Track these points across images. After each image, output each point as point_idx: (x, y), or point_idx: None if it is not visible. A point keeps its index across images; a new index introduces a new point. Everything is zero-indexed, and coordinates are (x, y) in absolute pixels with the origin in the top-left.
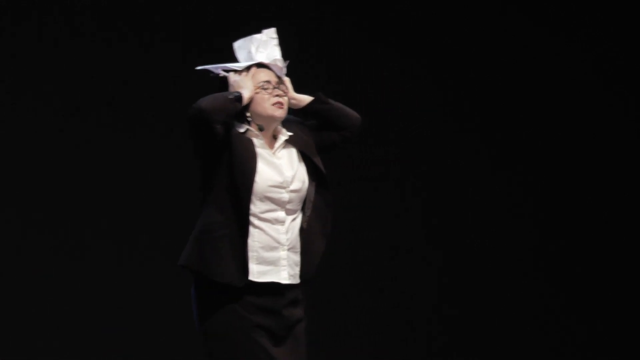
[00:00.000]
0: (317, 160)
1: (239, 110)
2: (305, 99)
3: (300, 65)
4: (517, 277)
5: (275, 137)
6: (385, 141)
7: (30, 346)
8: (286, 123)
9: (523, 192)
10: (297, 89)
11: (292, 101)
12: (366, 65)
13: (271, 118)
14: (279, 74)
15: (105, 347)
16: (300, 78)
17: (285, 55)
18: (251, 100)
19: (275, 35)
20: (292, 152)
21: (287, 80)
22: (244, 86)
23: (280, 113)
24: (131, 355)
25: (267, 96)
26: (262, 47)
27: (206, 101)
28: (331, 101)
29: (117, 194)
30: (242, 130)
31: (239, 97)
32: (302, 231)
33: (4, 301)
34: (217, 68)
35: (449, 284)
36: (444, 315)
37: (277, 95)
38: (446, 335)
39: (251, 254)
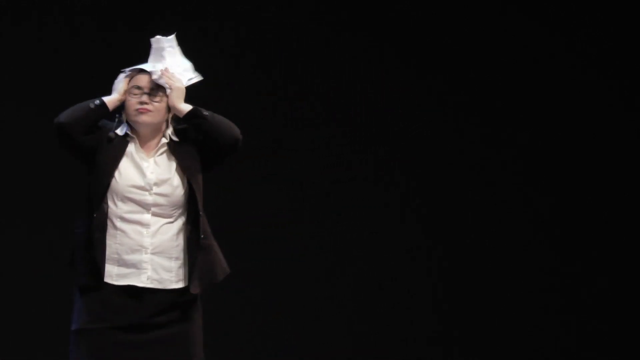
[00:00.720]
0: (196, 176)
1: (106, 115)
2: (184, 109)
3: (299, 65)
4: (517, 277)
5: (158, 141)
6: (386, 141)
7: (30, 346)
8: (182, 131)
9: (524, 192)
10: (296, 88)
11: (175, 110)
12: (366, 65)
13: (135, 123)
14: (154, 77)
15: None
16: (300, 78)
17: (284, 54)
18: (124, 104)
19: (163, 44)
20: (172, 158)
21: (175, 88)
22: (116, 89)
23: (144, 119)
24: None
25: (133, 101)
26: (153, 53)
27: (66, 114)
28: (208, 115)
29: None
30: (121, 132)
31: (101, 105)
32: (185, 240)
33: (4, 301)
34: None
35: (450, 283)
36: (444, 315)
37: (141, 102)
38: (446, 335)
39: (112, 256)
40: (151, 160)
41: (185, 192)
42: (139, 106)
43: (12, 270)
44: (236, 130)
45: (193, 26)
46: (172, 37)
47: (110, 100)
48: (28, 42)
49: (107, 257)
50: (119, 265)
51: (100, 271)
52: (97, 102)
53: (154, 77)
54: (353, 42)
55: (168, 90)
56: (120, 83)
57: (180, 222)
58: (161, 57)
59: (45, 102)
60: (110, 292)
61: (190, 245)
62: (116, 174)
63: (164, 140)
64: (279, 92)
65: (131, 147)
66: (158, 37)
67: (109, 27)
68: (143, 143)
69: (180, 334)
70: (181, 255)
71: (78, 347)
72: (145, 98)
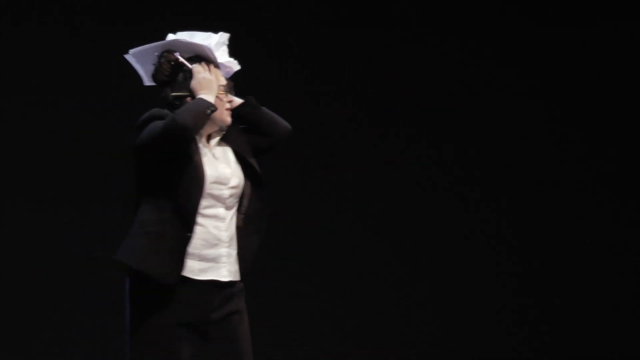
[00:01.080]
0: (252, 159)
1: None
2: (237, 101)
3: (300, 65)
4: (518, 278)
5: (210, 135)
6: (387, 141)
7: (30, 346)
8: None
9: (524, 192)
10: (299, 88)
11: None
12: (366, 65)
13: (223, 124)
14: (227, 76)
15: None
16: (300, 78)
17: (284, 55)
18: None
19: (227, 42)
20: (227, 150)
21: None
22: (211, 89)
23: (230, 119)
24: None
25: (222, 101)
26: (216, 48)
27: (188, 118)
28: (261, 107)
29: (121, 193)
30: None
31: (214, 112)
32: (238, 229)
33: (4, 301)
34: (173, 51)
35: (445, 284)
36: (452, 315)
37: (229, 101)
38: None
39: (193, 252)
40: (211, 153)
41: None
42: (229, 105)
43: (13, 270)
44: (286, 124)
45: (193, 26)
46: (228, 35)
47: (212, 102)
48: (28, 42)
49: (188, 252)
50: (199, 260)
51: (179, 267)
52: (212, 108)
53: (228, 72)
54: (354, 42)
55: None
56: (213, 83)
57: (235, 210)
58: (221, 53)
59: (45, 102)
60: (185, 287)
61: (245, 234)
62: (200, 171)
63: (218, 136)
64: (281, 92)
65: (199, 143)
66: (225, 34)
67: (109, 27)
68: (203, 137)
69: (239, 332)
70: (238, 244)
71: (144, 343)
72: (230, 98)
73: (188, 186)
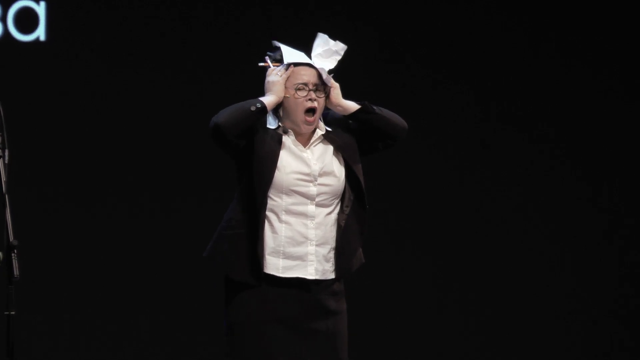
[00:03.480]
0: (356, 165)
1: (263, 117)
2: (351, 107)
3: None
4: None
5: (311, 134)
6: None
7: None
8: (329, 118)
9: (526, 193)
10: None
11: (338, 108)
12: (365, 66)
13: (303, 122)
14: (323, 77)
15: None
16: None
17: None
18: (283, 100)
19: (337, 49)
20: (329, 148)
21: (336, 86)
22: (274, 91)
23: (308, 129)
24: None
25: (300, 100)
26: (324, 53)
27: (224, 115)
28: (377, 110)
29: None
30: (273, 126)
31: (262, 109)
32: (339, 228)
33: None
34: (269, 56)
35: (445, 286)
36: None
37: (310, 99)
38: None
39: (277, 249)
40: (308, 151)
41: (344, 182)
42: (309, 104)
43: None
44: (403, 122)
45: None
46: (344, 47)
47: (270, 102)
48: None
49: (272, 250)
50: (284, 258)
51: (261, 266)
52: (259, 105)
53: (324, 75)
54: (358, 43)
55: (331, 89)
56: (278, 85)
57: (336, 211)
58: (327, 58)
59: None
60: (271, 285)
61: (346, 234)
62: (278, 167)
63: (319, 132)
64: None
65: (287, 140)
66: (326, 37)
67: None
68: (297, 134)
69: (332, 331)
70: (336, 244)
71: (237, 340)
72: (313, 95)
73: (258, 185)
